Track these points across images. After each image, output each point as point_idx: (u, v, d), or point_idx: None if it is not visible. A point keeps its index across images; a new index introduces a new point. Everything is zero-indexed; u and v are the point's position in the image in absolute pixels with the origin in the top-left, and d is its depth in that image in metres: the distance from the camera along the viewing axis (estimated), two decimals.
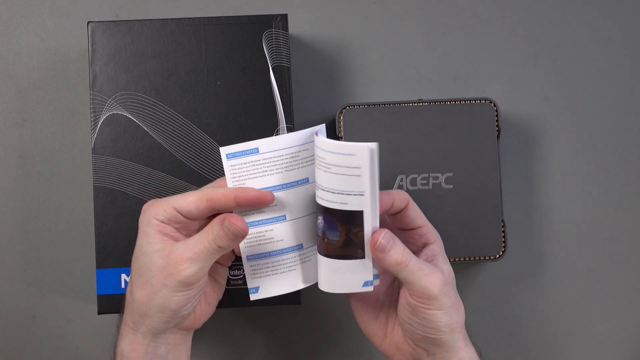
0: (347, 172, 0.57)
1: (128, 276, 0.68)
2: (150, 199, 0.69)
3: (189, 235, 0.60)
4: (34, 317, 0.75)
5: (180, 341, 0.61)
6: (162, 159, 0.69)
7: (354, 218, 0.58)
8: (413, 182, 0.72)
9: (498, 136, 0.73)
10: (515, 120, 0.77)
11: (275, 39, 0.70)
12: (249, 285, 0.62)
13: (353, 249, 0.59)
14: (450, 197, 0.72)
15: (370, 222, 0.58)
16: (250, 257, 0.62)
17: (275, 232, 0.61)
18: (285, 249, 0.62)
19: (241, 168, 0.60)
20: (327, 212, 0.59)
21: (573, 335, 0.77)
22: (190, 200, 0.59)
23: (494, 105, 0.72)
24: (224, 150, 0.60)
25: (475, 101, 0.73)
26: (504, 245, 0.72)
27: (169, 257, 0.57)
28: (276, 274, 0.62)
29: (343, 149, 0.57)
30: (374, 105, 0.72)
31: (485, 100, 0.72)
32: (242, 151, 0.60)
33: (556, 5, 0.78)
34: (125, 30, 0.70)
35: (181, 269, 0.57)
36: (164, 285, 0.57)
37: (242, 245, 0.61)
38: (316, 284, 0.62)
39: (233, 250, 0.62)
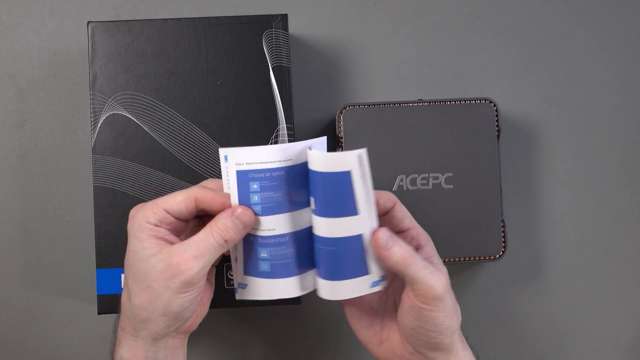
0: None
1: None
2: (150, 199, 0.69)
3: (179, 236, 0.60)
4: (34, 317, 0.75)
5: (178, 345, 0.61)
6: (162, 159, 0.69)
7: None
8: (413, 182, 0.72)
9: (498, 136, 0.73)
10: (515, 120, 0.77)
11: (275, 39, 0.70)
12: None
13: None
14: (450, 197, 0.72)
15: (369, 225, 0.58)
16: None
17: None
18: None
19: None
20: None
21: (573, 336, 0.77)
22: (179, 200, 0.58)
23: (494, 105, 0.72)
24: (224, 152, 0.59)
25: (475, 101, 0.73)
26: (504, 245, 0.72)
27: (169, 259, 0.57)
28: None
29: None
30: (374, 105, 0.72)
31: (485, 100, 0.72)
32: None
33: (556, 5, 0.78)
34: (125, 30, 0.70)
35: (185, 269, 0.56)
36: (166, 288, 0.57)
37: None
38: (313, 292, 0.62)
39: None
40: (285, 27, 0.70)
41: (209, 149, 0.69)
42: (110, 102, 0.69)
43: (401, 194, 0.71)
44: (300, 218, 0.60)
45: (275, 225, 0.59)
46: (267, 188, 0.58)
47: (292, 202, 0.59)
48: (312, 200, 0.59)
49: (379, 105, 0.72)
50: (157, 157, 0.69)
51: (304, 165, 0.59)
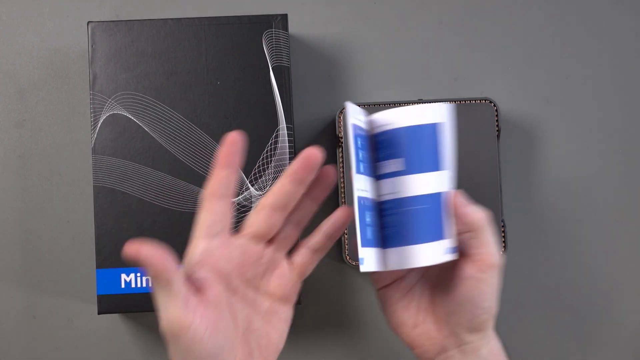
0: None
1: (128, 276, 0.69)
2: (150, 199, 0.69)
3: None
4: (34, 317, 0.75)
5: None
6: (162, 159, 0.69)
7: None
8: None
9: (498, 136, 0.73)
10: (515, 120, 0.77)
11: (275, 39, 0.70)
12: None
13: None
14: None
15: (448, 183, 0.58)
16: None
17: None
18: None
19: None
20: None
21: (573, 336, 0.77)
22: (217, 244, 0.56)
23: (494, 105, 0.72)
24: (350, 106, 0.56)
25: (475, 101, 0.73)
26: (504, 245, 0.72)
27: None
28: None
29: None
30: (374, 105, 0.72)
31: (485, 100, 0.72)
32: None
33: (556, 5, 0.78)
34: (125, 30, 0.70)
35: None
36: None
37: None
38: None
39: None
40: (285, 27, 0.70)
41: (209, 149, 0.69)
42: (110, 102, 0.69)
43: None
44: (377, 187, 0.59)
45: (368, 187, 0.58)
46: (364, 147, 0.57)
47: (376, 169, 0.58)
48: (397, 162, 0.57)
49: (379, 105, 0.72)
50: (157, 157, 0.69)
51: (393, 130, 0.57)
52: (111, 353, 0.75)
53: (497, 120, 0.72)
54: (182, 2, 0.77)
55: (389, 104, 0.72)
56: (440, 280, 0.61)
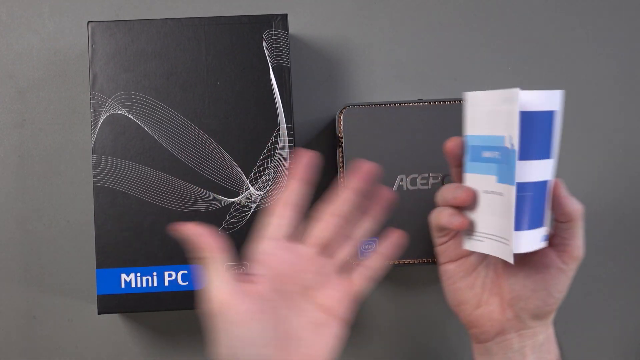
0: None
1: (128, 276, 0.69)
2: (150, 199, 0.69)
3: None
4: (34, 317, 0.75)
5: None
6: (162, 159, 0.69)
7: None
8: (413, 182, 0.72)
9: None
10: None
11: (275, 39, 0.70)
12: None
13: None
14: None
15: (553, 171, 0.59)
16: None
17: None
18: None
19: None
20: None
21: (573, 336, 0.77)
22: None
23: None
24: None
25: None
26: None
27: None
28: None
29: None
30: (374, 105, 0.72)
31: None
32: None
33: (556, 6, 0.78)
34: (125, 30, 0.70)
35: None
36: None
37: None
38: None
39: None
40: (285, 27, 0.70)
41: (209, 149, 0.69)
42: (110, 102, 0.69)
43: (401, 194, 0.71)
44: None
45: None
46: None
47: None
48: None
49: (379, 105, 0.72)
50: (157, 157, 0.69)
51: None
52: (111, 353, 0.75)
53: None
54: (182, 2, 0.77)
55: (389, 104, 0.72)
56: (519, 265, 0.61)
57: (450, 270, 0.63)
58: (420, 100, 0.73)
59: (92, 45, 0.70)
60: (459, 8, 0.78)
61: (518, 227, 0.57)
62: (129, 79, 0.70)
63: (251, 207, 0.69)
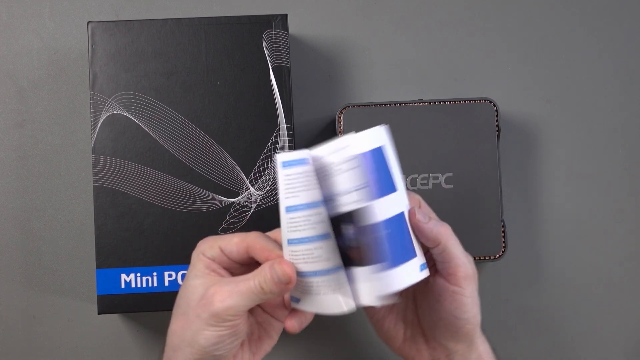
0: (347, 167, 0.55)
1: (128, 276, 0.69)
2: (150, 199, 0.69)
3: (235, 275, 0.59)
4: (34, 317, 0.75)
5: None
6: (162, 159, 0.69)
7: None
8: (413, 182, 0.72)
9: (498, 136, 0.73)
10: (515, 120, 0.77)
11: (275, 39, 0.70)
12: (292, 294, 0.58)
13: None
14: (450, 197, 0.72)
15: (405, 202, 0.57)
16: (299, 274, 0.58)
17: (323, 250, 0.56)
18: (332, 269, 0.57)
19: (296, 178, 0.56)
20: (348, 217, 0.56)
21: (573, 336, 0.77)
22: (234, 242, 0.58)
23: (494, 105, 0.72)
24: (280, 158, 0.56)
25: (475, 101, 0.73)
26: (504, 245, 0.72)
27: (208, 289, 0.56)
28: (319, 294, 0.57)
29: (339, 144, 0.55)
30: (374, 105, 0.72)
31: (485, 100, 0.72)
32: (299, 160, 0.56)
33: (556, 6, 0.78)
34: (125, 30, 0.70)
35: (217, 300, 0.55)
36: (197, 317, 0.55)
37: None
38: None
39: (284, 302, 0.60)
40: (285, 27, 0.70)
41: (209, 149, 0.69)
42: (110, 102, 0.69)
43: None
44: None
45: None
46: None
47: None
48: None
49: (379, 105, 0.72)
50: (157, 157, 0.69)
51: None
52: (111, 353, 0.75)
53: (497, 120, 0.72)
54: (182, 2, 0.77)
55: (389, 104, 0.72)
56: (422, 296, 0.62)
57: (372, 312, 0.64)
58: (420, 100, 0.73)
59: (92, 45, 0.70)
60: (459, 8, 0.78)
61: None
62: (129, 79, 0.70)
63: (251, 207, 0.69)
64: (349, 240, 0.56)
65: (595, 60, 0.78)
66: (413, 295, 0.63)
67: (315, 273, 0.57)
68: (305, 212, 0.56)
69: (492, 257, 0.72)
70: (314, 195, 0.56)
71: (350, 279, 0.57)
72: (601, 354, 0.77)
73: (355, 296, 0.57)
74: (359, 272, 0.56)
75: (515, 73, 0.78)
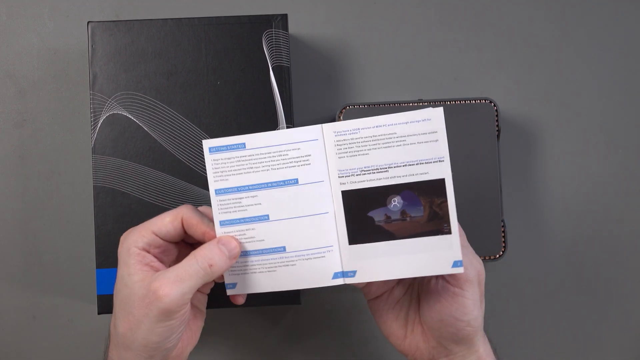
0: (424, 139, 0.57)
1: None
2: (150, 199, 0.69)
3: (168, 263, 0.59)
4: (34, 317, 0.75)
5: None
6: (162, 159, 0.69)
7: (436, 188, 0.57)
8: None
9: (498, 136, 0.73)
10: (515, 120, 0.77)
11: (275, 39, 0.70)
12: (227, 281, 0.60)
13: (439, 223, 0.58)
14: None
15: (453, 191, 0.57)
16: None
17: (256, 231, 0.59)
18: (266, 249, 0.60)
19: (224, 163, 0.59)
20: (407, 188, 0.57)
21: (573, 336, 0.77)
22: (167, 221, 0.58)
23: (494, 105, 0.72)
24: (207, 144, 0.58)
25: (475, 101, 0.73)
26: (504, 245, 0.72)
27: (149, 285, 0.55)
28: (254, 273, 0.60)
29: (419, 115, 0.57)
30: (374, 105, 0.72)
31: (485, 100, 0.72)
32: (227, 145, 0.59)
33: (556, 6, 0.78)
34: (125, 30, 0.70)
35: (163, 295, 0.54)
36: (145, 316, 0.55)
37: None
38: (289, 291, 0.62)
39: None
40: (285, 27, 0.70)
41: None
42: (110, 102, 0.69)
43: None
44: None
45: None
46: None
47: None
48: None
49: (379, 105, 0.72)
50: (157, 157, 0.69)
51: None
52: None
53: (497, 120, 0.72)
54: (182, 2, 0.77)
55: (389, 104, 0.72)
56: (425, 294, 0.62)
57: (376, 305, 0.64)
58: (420, 100, 0.73)
59: (92, 45, 0.70)
60: (458, 8, 0.78)
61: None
62: (129, 79, 0.70)
63: None
64: (393, 213, 0.58)
65: (595, 60, 0.78)
66: (417, 293, 0.63)
67: (248, 253, 0.60)
68: (236, 195, 0.59)
69: (492, 257, 0.72)
70: (248, 179, 0.59)
71: (376, 254, 0.59)
72: (601, 354, 0.77)
73: (388, 269, 0.59)
74: (399, 244, 0.58)
75: (515, 73, 0.78)
